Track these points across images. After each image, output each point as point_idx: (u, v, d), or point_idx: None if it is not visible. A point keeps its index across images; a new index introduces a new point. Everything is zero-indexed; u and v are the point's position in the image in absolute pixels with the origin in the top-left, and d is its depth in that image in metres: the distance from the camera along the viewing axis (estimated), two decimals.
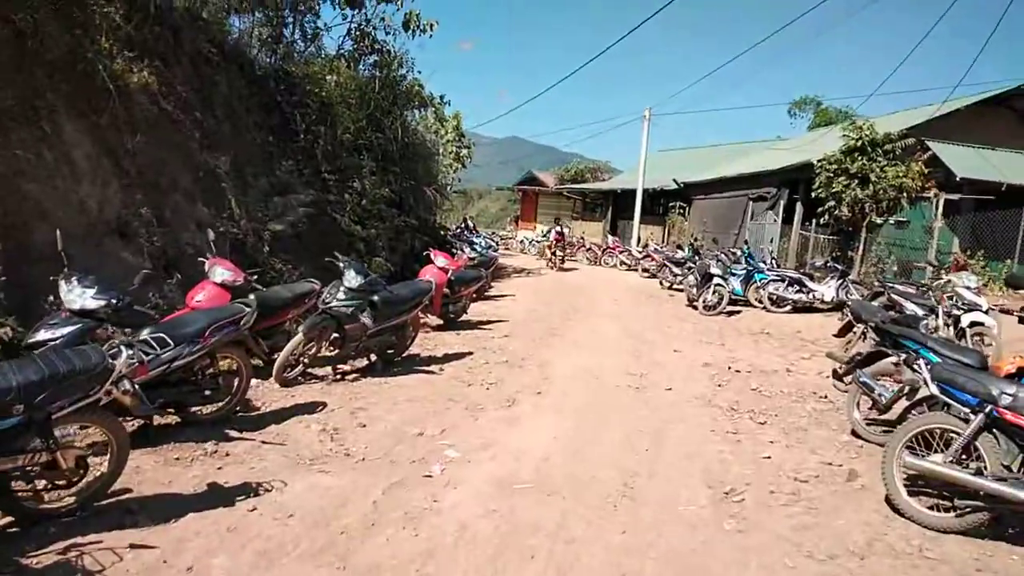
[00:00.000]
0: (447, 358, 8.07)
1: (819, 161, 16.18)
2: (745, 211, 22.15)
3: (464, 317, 10.84)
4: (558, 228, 24.26)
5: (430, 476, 4.51)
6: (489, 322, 11.06)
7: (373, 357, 7.31)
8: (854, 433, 5.80)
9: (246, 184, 12.05)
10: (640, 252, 23.55)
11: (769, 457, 5.19)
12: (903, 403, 5.16)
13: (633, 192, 28.51)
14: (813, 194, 16.38)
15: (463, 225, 24.70)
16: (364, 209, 14.97)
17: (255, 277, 6.86)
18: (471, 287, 10.74)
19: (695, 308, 13.76)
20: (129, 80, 9.64)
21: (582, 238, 30.40)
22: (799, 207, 18.85)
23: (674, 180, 26.84)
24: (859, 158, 15.22)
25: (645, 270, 21.55)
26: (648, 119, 27.72)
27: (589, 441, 5.38)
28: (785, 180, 19.92)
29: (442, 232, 20.69)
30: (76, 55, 8.74)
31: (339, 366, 7.06)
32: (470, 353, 8.36)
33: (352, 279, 6.56)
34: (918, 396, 4.76)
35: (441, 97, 19.56)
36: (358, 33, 16.96)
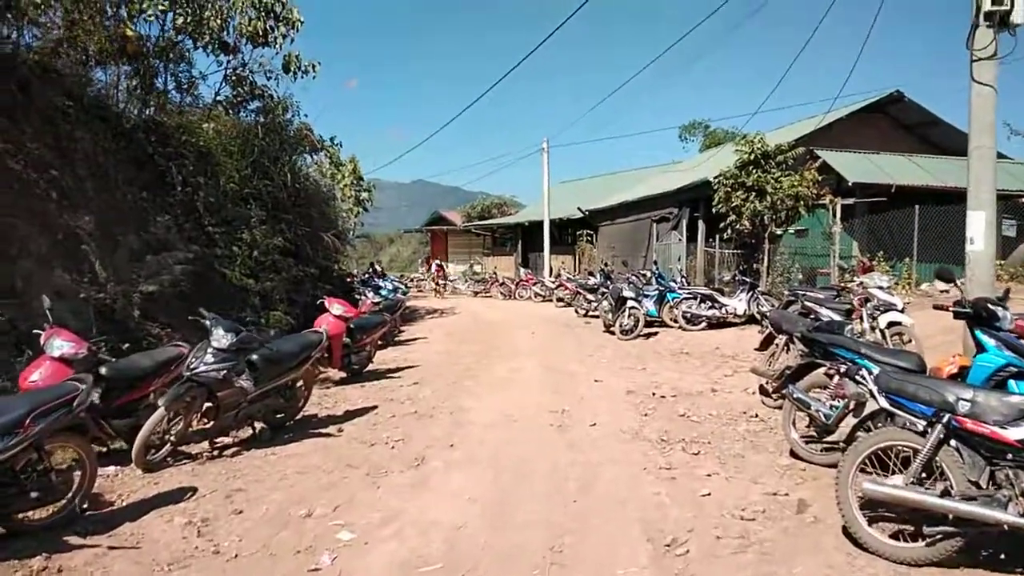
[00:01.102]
0: (348, 415, 7.22)
1: (716, 178, 16.40)
2: (650, 233, 22.32)
3: (370, 367, 9.99)
4: (437, 263, 30.63)
5: (317, 570, 3.70)
6: (399, 369, 10.25)
7: (259, 425, 6.38)
8: (793, 454, 5.37)
9: (115, 244, 10.87)
10: (553, 282, 23.32)
11: (709, 494, 4.64)
12: (849, 420, 4.70)
13: (541, 224, 28.41)
14: (714, 210, 16.54)
15: (371, 271, 23.77)
16: (256, 261, 13.91)
17: (102, 347, 5.85)
18: (374, 333, 9.93)
19: (613, 333, 13.41)
20: None
21: (494, 273, 30.01)
22: (701, 225, 19.08)
23: (579, 208, 26.93)
24: (753, 171, 15.47)
25: (560, 300, 21.27)
26: (547, 150, 27.82)
27: (510, 498, 4.69)
28: (685, 200, 20.19)
29: (348, 279, 19.73)
30: None
31: (218, 440, 6.08)
32: (375, 408, 7.53)
33: (220, 338, 5.66)
34: (866, 411, 4.32)
35: (332, 140, 18.66)
36: (235, 78, 16.03)
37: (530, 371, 9.80)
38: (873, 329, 7.73)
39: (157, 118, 14.42)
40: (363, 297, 13.46)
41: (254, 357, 6.04)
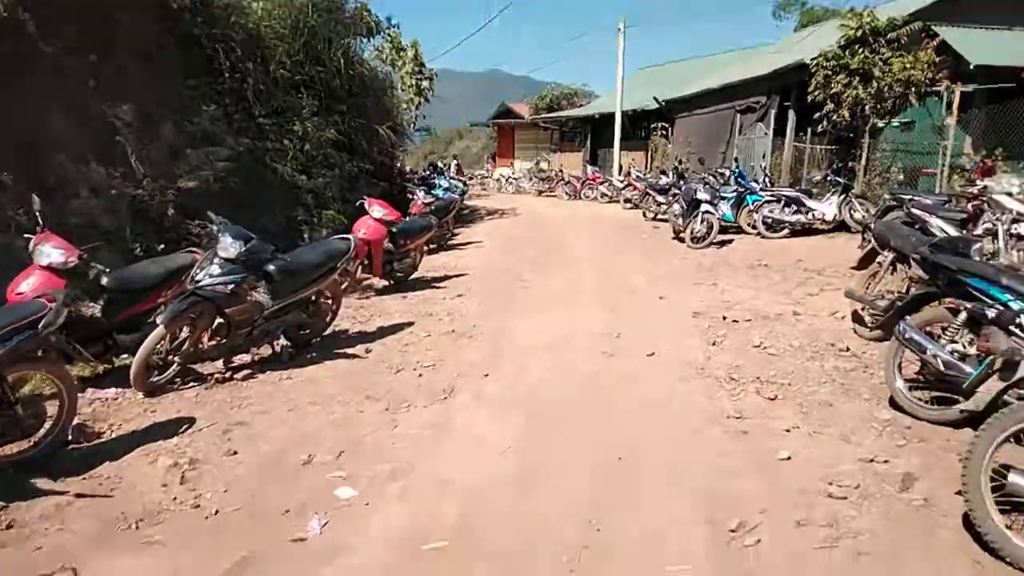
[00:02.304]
0: (381, 332, 6.59)
1: (814, 59, 14.39)
2: (732, 126, 20.38)
3: (416, 274, 9.34)
4: (456, 163, 30.44)
5: (303, 539, 3.11)
6: (446, 277, 9.57)
7: (281, 343, 5.83)
8: (894, 405, 4.39)
9: (158, 137, 10.33)
10: (621, 181, 21.91)
11: (788, 458, 3.77)
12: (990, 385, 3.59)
13: (612, 117, 26.55)
14: (808, 99, 14.65)
15: (430, 167, 22.93)
16: (308, 156, 13.27)
17: (91, 253, 5.26)
18: (420, 238, 9.18)
19: (683, 241, 12.28)
20: None
21: (560, 171, 28.62)
22: (791, 115, 17.11)
23: (654, 98, 24.88)
24: (860, 51, 13.45)
25: (627, 201, 19.98)
26: (623, 31, 25.54)
27: (541, 451, 3.97)
28: (775, 87, 18.09)
29: (407, 175, 18.98)
30: None
31: (233, 359, 5.57)
32: (411, 324, 6.86)
33: (227, 246, 4.99)
34: (1020, 374, 3.27)
35: (389, 20, 17.34)
36: None
37: (586, 283, 8.93)
38: (1009, 249, 6.37)
39: None
40: (414, 197, 12.67)
41: (271, 268, 5.39)
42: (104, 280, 5.06)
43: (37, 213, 5.10)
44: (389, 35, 20.79)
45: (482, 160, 50.81)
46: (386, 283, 8.82)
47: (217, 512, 3.35)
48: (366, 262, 8.32)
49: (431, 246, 12.31)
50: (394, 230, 8.62)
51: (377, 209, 8.38)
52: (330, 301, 6.25)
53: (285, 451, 3.98)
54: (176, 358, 5.01)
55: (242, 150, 12.40)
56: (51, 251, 4.74)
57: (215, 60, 12.72)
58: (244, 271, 5.06)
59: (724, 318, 6.72)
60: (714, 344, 5.91)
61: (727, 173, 15.35)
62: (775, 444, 3.96)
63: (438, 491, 3.51)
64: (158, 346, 4.79)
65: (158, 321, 4.73)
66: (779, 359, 5.51)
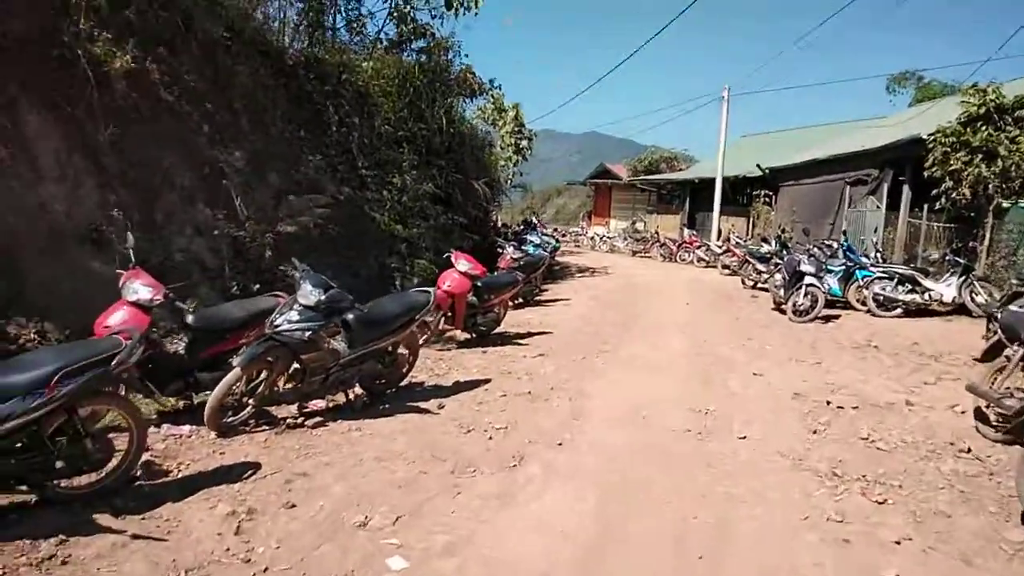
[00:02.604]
0: (456, 388, 6.40)
1: (931, 135, 13.59)
2: (842, 197, 19.47)
3: (499, 329, 9.17)
4: (535, 219, 28.34)
5: None
6: (529, 334, 9.34)
7: (355, 392, 5.73)
8: None
9: (263, 182, 10.82)
10: (720, 246, 21.27)
11: None
12: None
13: (712, 182, 26.03)
14: (925, 174, 13.78)
15: (523, 223, 23.11)
16: (405, 207, 13.59)
17: (181, 290, 5.34)
18: (504, 294, 9.03)
19: (783, 313, 11.59)
20: (112, 66, 8.45)
21: (656, 233, 28.20)
22: (906, 191, 16.12)
23: (757, 166, 24.23)
24: (983, 128, 12.59)
25: (725, 267, 19.34)
26: (727, 99, 25.21)
27: (610, 539, 3.59)
28: (888, 160, 17.20)
29: (501, 229, 19.16)
30: (50, 37, 7.78)
31: (307, 404, 5.51)
32: (487, 381, 6.64)
33: (308, 294, 4.97)
34: None
35: (491, 82, 17.80)
36: (398, 15, 15.56)
37: (676, 351, 8.47)
38: None
39: (319, 55, 14.35)
40: (503, 251, 12.64)
41: (349, 317, 5.34)
42: (189, 319, 5.15)
43: (130, 250, 5.27)
44: (492, 96, 21.34)
45: (579, 217, 51.01)
46: (468, 336, 8.69)
47: (266, 570, 3.17)
48: (449, 314, 8.23)
49: (517, 301, 12.18)
50: (479, 284, 8.52)
51: (463, 263, 8.32)
52: (407, 353, 6.13)
53: (343, 510, 3.78)
54: (251, 400, 4.98)
55: (343, 198, 12.87)
56: (139, 288, 4.85)
57: (324, 114, 13.38)
58: (322, 319, 5.01)
59: (828, 403, 6.11)
60: (815, 432, 5.34)
61: (835, 245, 14.53)
62: (881, 558, 3.42)
63: (492, 573, 3.20)
64: (233, 387, 4.78)
65: (234, 363, 4.72)
66: (889, 456, 4.89)
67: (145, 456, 4.17)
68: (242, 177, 10.15)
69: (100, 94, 8.19)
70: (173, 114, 9.55)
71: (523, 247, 15.16)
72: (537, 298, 13.18)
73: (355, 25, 16.30)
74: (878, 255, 13.70)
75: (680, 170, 38.00)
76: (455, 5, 15.32)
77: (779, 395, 6.45)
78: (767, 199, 24.75)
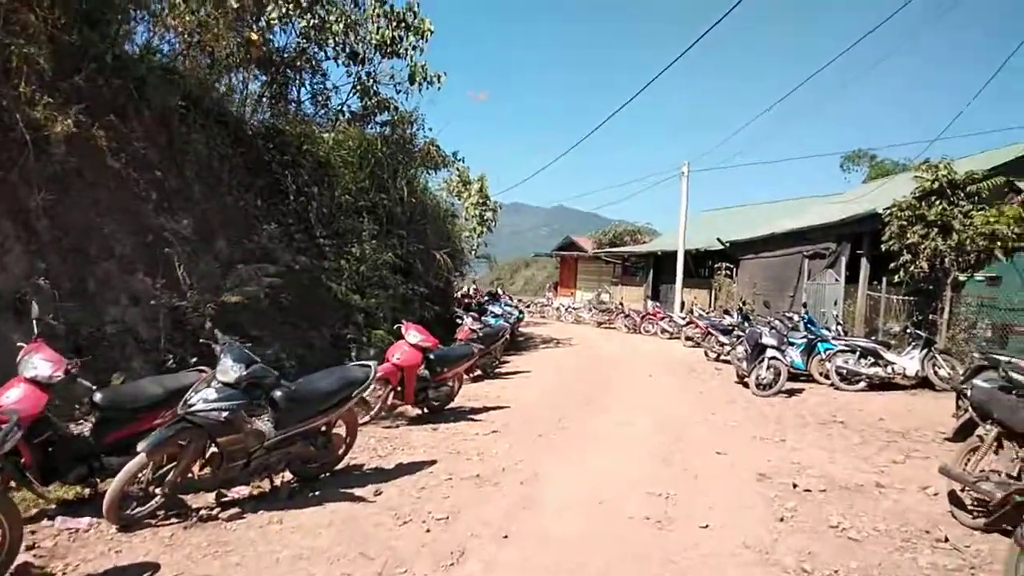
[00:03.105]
0: (399, 470, 5.91)
1: (887, 209, 13.85)
2: (801, 270, 19.68)
3: (452, 404, 8.72)
4: (500, 291, 27.78)
5: None
6: (485, 409, 8.90)
7: (282, 478, 5.22)
8: None
9: (211, 250, 10.43)
10: (683, 318, 21.21)
11: None
12: None
13: (674, 254, 26.27)
14: (883, 247, 13.97)
15: (487, 294, 22.88)
16: (363, 276, 13.28)
17: (78, 364, 4.77)
18: (458, 367, 8.63)
19: (747, 386, 11.33)
20: (52, 131, 8.14)
21: (621, 304, 28.18)
22: (864, 263, 16.33)
23: (718, 239, 24.58)
24: (937, 202, 12.86)
25: (689, 338, 19.24)
26: (687, 175, 25.72)
27: None
28: (845, 235, 17.51)
29: (465, 300, 18.86)
30: None
31: (234, 490, 4.97)
32: (433, 463, 6.16)
33: (227, 369, 4.54)
34: None
35: (455, 155, 17.86)
36: (361, 88, 15.62)
37: (638, 428, 8.09)
38: None
39: (279, 125, 14.24)
40: (462, 322, 12.28)
41: (276, 395, 4.89)
42: (96, 397, 4.66)
43: (34, 321, 4.80)
44: (457, 168, 21.46)
45: (545, 288, 51.11)
46: (419, 412, 8.23)
47: None
48: (399, 388, 7.78)
49: (475, 374, 11.78)
50: (431, 356, 8.12)
51: (413, 334, 7.94)
52: (344, 433, 5.66)
53: None
54: (159, 489, 4.45)
55: (298, 267, 12.50)
56: (38, 363, 4.37)
57: (282, 182, 13.15)
58: (243, 397, 4.57)
59: (795, 486, 5.75)
60: (782, 520, 4.96)
61: (795, 318, 14.50)
62: None
63: None
64: (138, 475, 4.26)
65: (139, 448, 4.21)
66: (861, 547, 4.52)
67: (25, 557, 3.61)
68: (189, 245, 9.77)
69: (38, 159, 7.86)
70: (119, 180, 9.23)
71: (484, 317, 14.85)
72: (497, 370, 12.77)
73: (319, 98, 16.35)
74: (839, 328, 13.68)
75: (644, 243, 38.51)
76: (418, 80, 15.45)
77: (743, 476, 6.09)
78: (728, 272, 24.99)
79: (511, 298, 25.61)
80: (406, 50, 15.04)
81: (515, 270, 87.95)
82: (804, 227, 19.93)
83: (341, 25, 13.19)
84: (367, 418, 7.58)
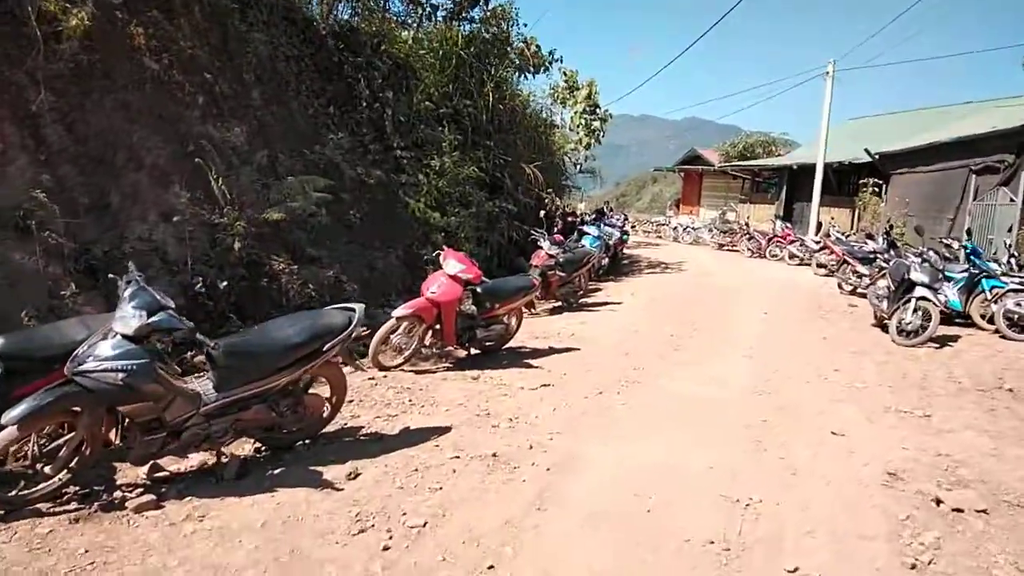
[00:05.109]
0: (400, 439, 4.70)
1: None
2: (965, 188, 16.37)
3: (511, 343, 7.44)
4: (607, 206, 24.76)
5: None
6: (548, 352, 7.55)
7: (231, 453, 4.14)
8: None
9: (265, 162, 9.51)
10: (816, 242, 18.56)
11: None
12: None
13: (813, 168, 23.05)
14: None
15: (598, 210, 21.13)
16: (443, 192, 12.10)
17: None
18: (512, 302, 7.23)
19: (885, 331, 9.23)
20: (65, 25, 7.29)
21: (746, 224, 25.49)
22: None
23: (866, 150, 21.13)
24: None
25: (821, 266, 16.73)
26: (831, 75, 22.12)
27: None
28: None
29: (569, 218, 17.31)
30: None
31: (158, 471, 3.96)
32: (448, 429, 4.91)
33: (127, 318, 3.42)
34: None
35: (551, 53, 15.94)
36: None
37: (730, 387, 6.45)
38: None
39: (354, 23, 12.99)
40: (540, 247, 10.82)
41: (214, 348, 3.73)
42: None
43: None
44: (564, 72, 19.47)
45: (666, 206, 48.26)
46: (467, 353, 7.01)
47: None
48: (437, 327, 6.55)
49: (555, 304, 10.44)
50: (478, 291, 6.80)
51: (452, 263, 6.60)
52: (328, 393, 4.50)
53: None
54: (51, 468, 3.48)
55: (373, 181, 11.48)
56: None
57: (355, 88, 12.03)
58: (146, 354, 3.43)
59: (937, 502, 4.00)
60: (914, 567, 3.31)
61: (955, 246, 11.87)
62: None
63: None
64: (13, 450, 3.29)
65: (3, 419, 3.21)
66: None
67: None
68: (237, 156, 8.87)
69: (47, 57, 7.05)
70: (157, 83, 8.35)
71: (577, 238, 13.35)
72: (584, 300, 11.31)
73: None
74: (1013, 260, 10.92)
75: (778, 155, 34.68)
76: None
77: (864, 476, 4.39)
78: (875, 189, 21.62)
79: (623, 216, 23.59)
80: None
81: (641, 186, 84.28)
82: (973, 135, 16.44)
83: None
84: (400, 360, 6.46)
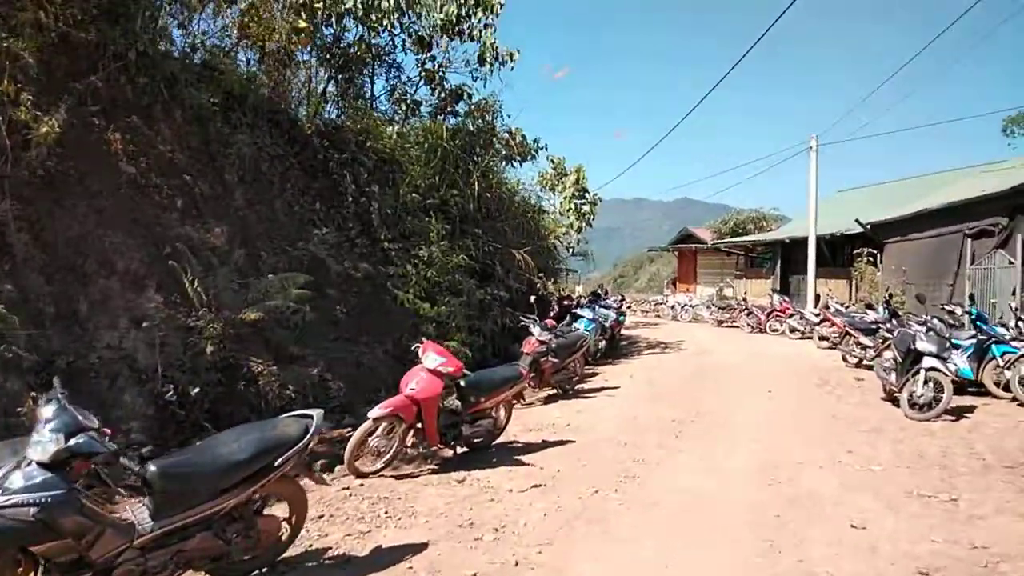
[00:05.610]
0: (368, 563, 4.19)
1: None
2: (962, 252, 16.22)
3: (501, 438, 6.98)
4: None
5: None
6: (541, 446, 7.08)
7: None
8: None
9: (249, 263, 9.33)
10: (816, 315, 18.22)
11: None
12: None
13: (806, 241, 23.02)
14: None
15: (594, 293, 20.93)
16: (431, 282, 11.87)
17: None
18: (499, 394, 6.79)
19: (896, 404, 8.77)
20: (35, 133, 7.24)
21: (743, 299, 25.24)
22: None
23: (857, 221, 21.16)
24: None
25: (823, 338, 16.35)
26: (815, 149, 22.42)
27: None
28: (1019, 206, 14.08)
29: (565, 302, 17.05)
30: None
31: None
32: (423, 547, 4.41)
33: (44, 442, 3.04)
34: None
35: (536, 141, 16.11)
36: (427, 75, 14.24)
37: (736, 477, 5.96)
38: None
39: (336, 121, 13.16)
40: (531, 333, 10.44)
41: (150, 470, 3.33)
42: None
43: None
44: (551, 160, 19.67)
45: (664, 285, 48.28)
46: (449, 453, 6.55)
47: None
48: (419, 426, 6.12)
49: (548, 392, 10.02)
50: (462, 384, 6.41)
51: (431, 357, 6.22)
52: (286, 513, 4.04)
53: None
54: None
55: (359, 275, 11.32)
56: None
57: (340, 184, 12.03)
58: (64, 484, 3.02)
59: None
60: None
61: (958, 312, 11.54)
62: None
63: None
64: None
65: None
66: None
67: None
68: (217, 256, 8.67)
69: (15, 164, 6.97)
70: (134, 187, 8.29)
71: (565, 323, 13.01)
72: (580, 385, 10.87)
73: (397, 93, 15.13)
74: (1022, 324, 10.57)
75: (770, 230, 34.90)
76: (488, 60, 13.81)
77: None
78: (871, 258, 21.50)
79: (619, 297, 23.36)
80: (472, 28, 13.40)
81: (639, 266, 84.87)
82: (965, 200, 16.42)
83: (392, 1, 11.73)
84: (380, 465, 6.00)
